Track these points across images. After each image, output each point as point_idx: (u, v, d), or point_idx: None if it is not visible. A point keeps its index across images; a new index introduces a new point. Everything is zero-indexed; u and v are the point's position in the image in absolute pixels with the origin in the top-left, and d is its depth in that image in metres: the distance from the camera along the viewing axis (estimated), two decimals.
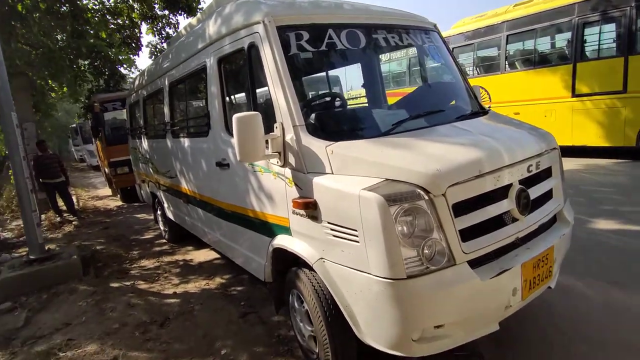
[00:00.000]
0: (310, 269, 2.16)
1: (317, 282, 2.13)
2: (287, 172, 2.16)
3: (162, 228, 5.58)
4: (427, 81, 3.45)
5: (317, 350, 2.26)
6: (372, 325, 1.86)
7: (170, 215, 4.91)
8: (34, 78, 7.94)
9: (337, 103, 2.55)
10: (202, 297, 3.66)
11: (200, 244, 4.59)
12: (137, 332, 3.07)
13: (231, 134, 2.83)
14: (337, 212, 1.87)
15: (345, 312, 1.95)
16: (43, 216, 7.39)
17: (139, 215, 7.52)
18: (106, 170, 9.22)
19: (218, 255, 4.68)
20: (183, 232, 4.79)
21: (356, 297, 1.87)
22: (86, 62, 9.56)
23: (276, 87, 2.19)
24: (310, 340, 2.31)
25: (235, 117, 2.02)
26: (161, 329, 3.14)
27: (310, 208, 1.98)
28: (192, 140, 3.55)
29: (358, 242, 1.77)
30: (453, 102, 2.88)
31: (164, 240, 5.57)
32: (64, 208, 7.53)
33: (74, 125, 22.25)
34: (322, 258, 2.01)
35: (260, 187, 2.46)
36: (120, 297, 3.72)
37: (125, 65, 10.50)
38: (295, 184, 2.10)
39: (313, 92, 3.51)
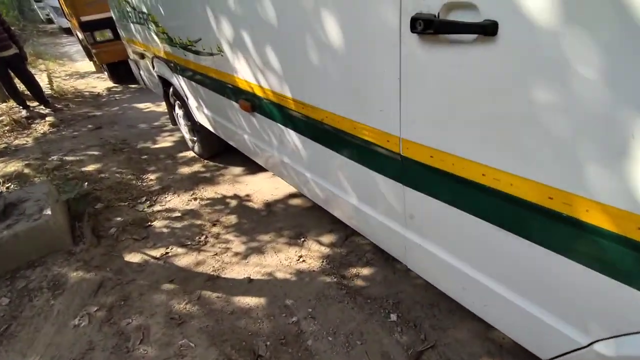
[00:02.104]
0: None
1: None
2: None
3: (187, 137, 3.71)
4: None
5: None
6: None
7: (204, 120, 3.01)
8: None
9: None
10: (306, 295, 2.04)
11: (252, 163, 2.76)
12: None
13: None
14: None
15: None
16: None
17: (141, 105, 5.56)
18: (79, 35, 6.84)
19: (290, 187, 2.95)
20: (222, 142, 2.95)
21: None
22: None
23: None
24: None
25: None
26: None
27: None
28: None
29: None
30: None
31: (193, 154, 3.78)
32: (30, 94, 5.54)
33: None
34: None
35: None
36: (151, 296, 2.12)
37: None
38: None
39: None
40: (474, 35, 0.87)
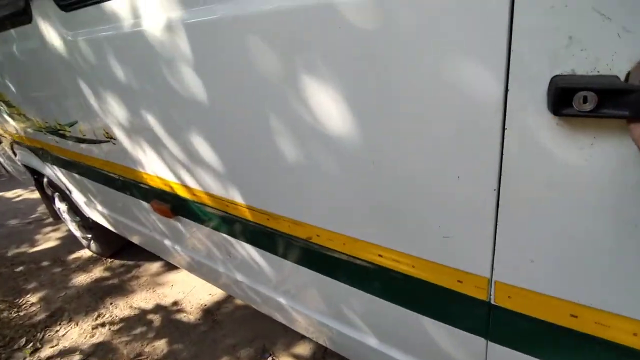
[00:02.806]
0: None
1: None
2: None
3: (77, 234, 2.76)
4: None
5: None
6: None
7: (98, 218, 2.17)
8: None
9: None
10: None
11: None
12: None
13: None
14: None
15: None
16: None
17: (9, 194, 4.29)
18: None
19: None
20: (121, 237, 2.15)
21: None
22: None
23: None
24: None
25: None
26: None
27: None
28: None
29: None
30: None
31: (90, 253, 2.83)
32: None
33: None
34: None
35: None
36: None
37: None
38: None
39: None
40: None
